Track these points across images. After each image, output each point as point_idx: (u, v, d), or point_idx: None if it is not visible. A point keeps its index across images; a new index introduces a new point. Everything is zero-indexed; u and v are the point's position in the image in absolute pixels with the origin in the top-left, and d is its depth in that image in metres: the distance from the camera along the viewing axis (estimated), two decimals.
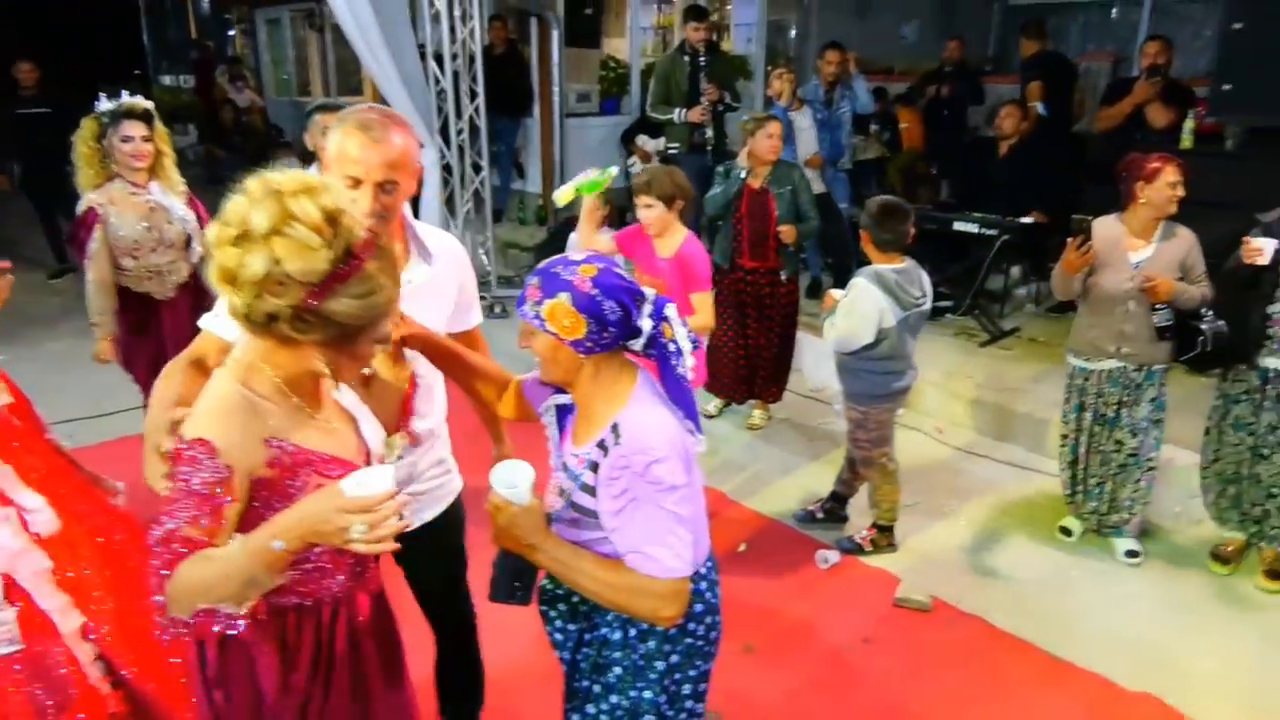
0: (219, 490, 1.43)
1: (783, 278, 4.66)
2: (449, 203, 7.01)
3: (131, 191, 3.62)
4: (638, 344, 1.70)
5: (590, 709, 1.86)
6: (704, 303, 3.63)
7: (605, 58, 9.09)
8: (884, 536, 3.80)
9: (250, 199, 1.41)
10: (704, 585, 1.82)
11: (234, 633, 1.49)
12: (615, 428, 1.67)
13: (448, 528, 2.39)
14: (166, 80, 16.80)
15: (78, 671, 2.40)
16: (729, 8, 10.64)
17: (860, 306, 3.43)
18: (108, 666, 2.46)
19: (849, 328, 3.46)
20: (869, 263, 3.52)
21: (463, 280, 2.21)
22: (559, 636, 1.90)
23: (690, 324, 2.85)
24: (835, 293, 3.58)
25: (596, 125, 8.66)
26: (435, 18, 6.56)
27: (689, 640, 1.81)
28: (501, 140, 8.52)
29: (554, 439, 1.88)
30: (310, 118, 3.73)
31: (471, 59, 6.76)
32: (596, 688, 1.84)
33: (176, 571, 1.39)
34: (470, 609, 2.53)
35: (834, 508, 4.03)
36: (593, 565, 1.70)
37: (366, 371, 1.81)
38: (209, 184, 9.64)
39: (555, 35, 8.00)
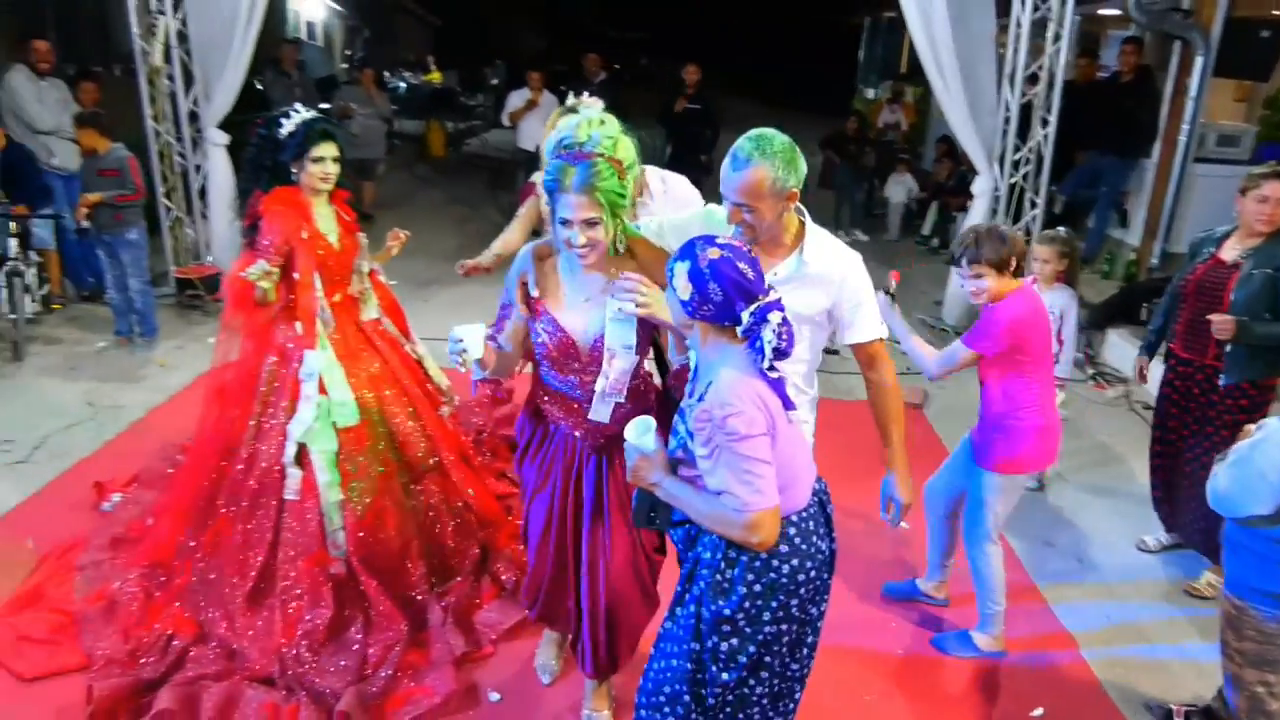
0: (506, 313, 2.56)
1: (1220, 382, 3.41)
2: None
3: None
4: (739, 329, 1.97)
5: (679, 610, 2.20)
6: (961, 356, 3.01)
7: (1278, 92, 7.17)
8: None
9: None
10: (791, 530, 2.07)
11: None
12: (710, 384, 1.98)
13: None
14: (870, 93, 18.18)
15: (320, 533, 3.10)
16: None
17: (1261, 460, 2.35)
18: (345, 539, 3.12)
19: (1236, 482, 2.41)
20: None
21: (838, 299, 2.45)
22: (679, 545, 2.27)
23: None
24: (1252, 428, 2.51)
25: (1233, 176, 6.93)
26: (1019, 37, 6.04)
27: (771, 575, 2.05)
28: (1106, 180, 7.46)
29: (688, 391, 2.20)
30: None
31: (1051, 83, 6.06)
32: (688, 595, 2.18)
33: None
34: None
35: None
36: (697, 500, 2.05)
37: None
38: (823, 184, 10.42)
39: (1199, 62, 6.63)
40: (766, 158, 2.20)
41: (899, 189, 10.06)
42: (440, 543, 3.29)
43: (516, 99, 9.02)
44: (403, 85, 17.95)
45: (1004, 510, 3.14)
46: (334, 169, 3.14)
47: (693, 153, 8.52)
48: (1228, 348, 3.35)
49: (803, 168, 2.27)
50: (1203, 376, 3.51)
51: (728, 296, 1.93)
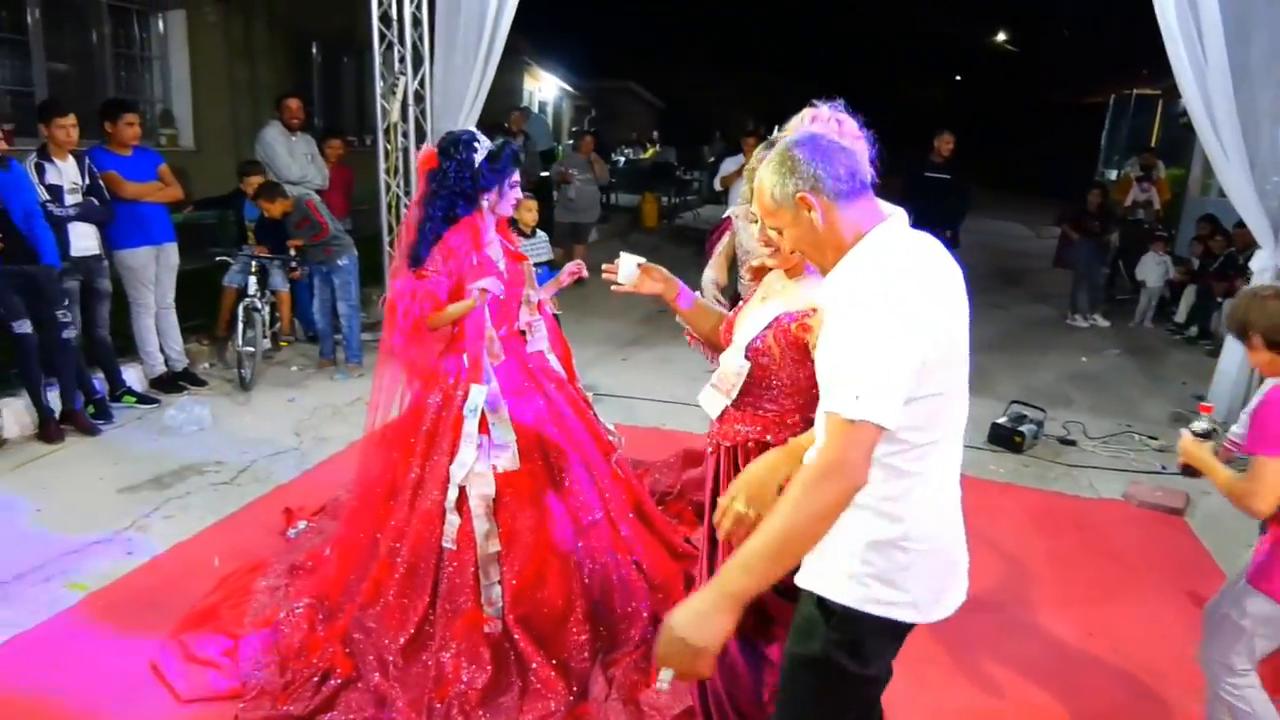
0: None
1: None
2: None
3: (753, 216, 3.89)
4: None
5: None
6: (1268, 473, 2.24)
7: None
8: None
9: None
10: None
11: None
12: None
13: None
14: (1112, 175, 16.90)
15: (476, 589, 2.85)
16: None
17: None
18: (502, 595, 2.86)
19: None
20: None
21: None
22: None
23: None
24: None
25: None
26: None
27: None
28: None
29: None
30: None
31: None
32: None
33: None
34: None
35: None
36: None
37: None
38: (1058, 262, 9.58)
39: None
40: (766, 168, 1.82)
41: (1156, 270, 8.94)
42: (606, 606, 2.98)
43: (730, 164, 8.89)
44: (622, 160, 18.57)
45: (1266, 646, 2.42)
46: (522, 195, 3.09)
47: (936, 224, 7.87)
48: None
49: (806, 168, 1.75)
50: None
51: None
